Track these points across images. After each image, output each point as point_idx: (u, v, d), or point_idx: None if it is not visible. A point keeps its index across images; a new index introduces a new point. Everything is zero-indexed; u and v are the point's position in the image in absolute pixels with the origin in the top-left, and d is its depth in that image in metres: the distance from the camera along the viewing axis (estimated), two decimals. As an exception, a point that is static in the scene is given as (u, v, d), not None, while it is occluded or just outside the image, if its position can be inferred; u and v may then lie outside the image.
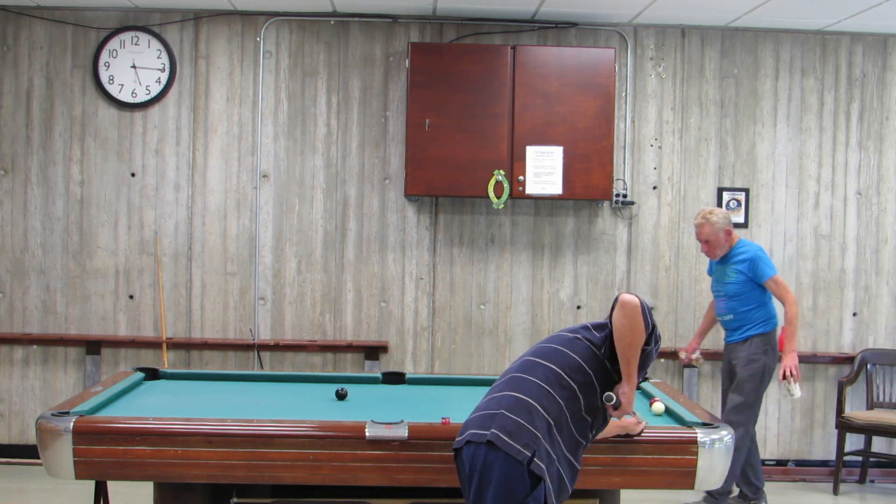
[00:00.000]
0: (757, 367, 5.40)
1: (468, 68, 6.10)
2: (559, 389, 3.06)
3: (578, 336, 3.20)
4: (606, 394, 3.10)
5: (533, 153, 6.11)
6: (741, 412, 5.38)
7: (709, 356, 6.52)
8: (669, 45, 6.49)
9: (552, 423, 3.02)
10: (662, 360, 6.47)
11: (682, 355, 5.83)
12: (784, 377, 5.31)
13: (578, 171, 6.11)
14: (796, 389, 5.35)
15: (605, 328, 3.18)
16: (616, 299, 3.13)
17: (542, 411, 3.01)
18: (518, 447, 2.93)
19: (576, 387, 3.08)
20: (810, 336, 6.52)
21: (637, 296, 3.13)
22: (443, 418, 3.49)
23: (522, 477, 2.93)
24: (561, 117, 6.11)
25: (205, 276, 6.39)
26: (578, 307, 6.46)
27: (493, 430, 2.97)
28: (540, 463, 2.94)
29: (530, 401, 3.02)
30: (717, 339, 6.49)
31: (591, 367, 3.12)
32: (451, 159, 6.07)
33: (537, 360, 3.15)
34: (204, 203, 6.38)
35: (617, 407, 3.13)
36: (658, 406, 3.84)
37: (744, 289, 5.43)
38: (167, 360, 6.29)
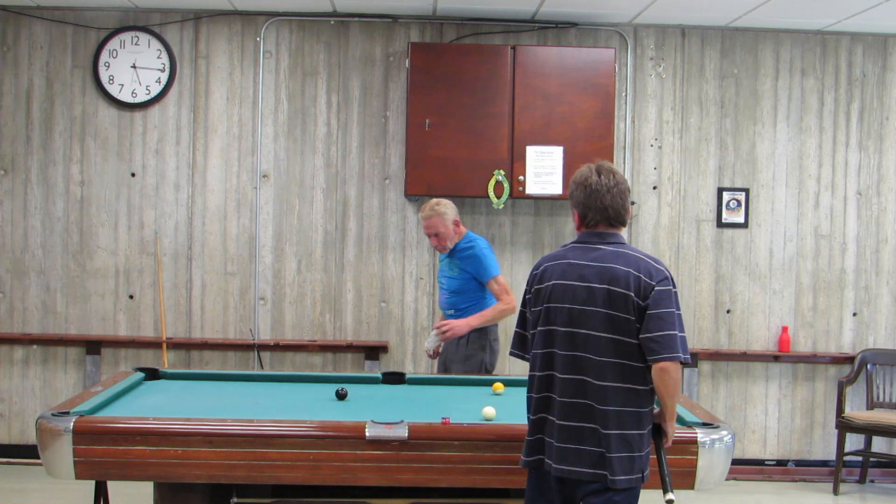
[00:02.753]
0: (473, 363, 5.22)
1: (468, 68, 6.10)
2: None
3: None
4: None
5: (533, 153, 6.11)
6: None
7: (707, 356, 6.52)
8: (669, 45, 6.49)
9: None
10: (662, 360, 6.46)
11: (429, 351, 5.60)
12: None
13: (578, 171, 6.10)
14: (431, 342, 5.14)
15: None
16: (660, 365, 2.96)
17: None
18: None
19: None
20: (810, 336, 6.52)
21: (678, 357, 2.96)
22: (443, 418, 3.49)
23: None
24: (561, 117, 6.11)
25: (205, 276, 6.39)
26: (578, 307, 6.45)
27: None
28: None
29: None
30: (717, 340, 6.49)
31: None
32: (451, 159, 6.07)
33: None
34: (204, 203, 6.38)
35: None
36: (489, 411, 3.72)
37: (466, 285, 5.25)
38: (167, 360, 6.29)
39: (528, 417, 3.19)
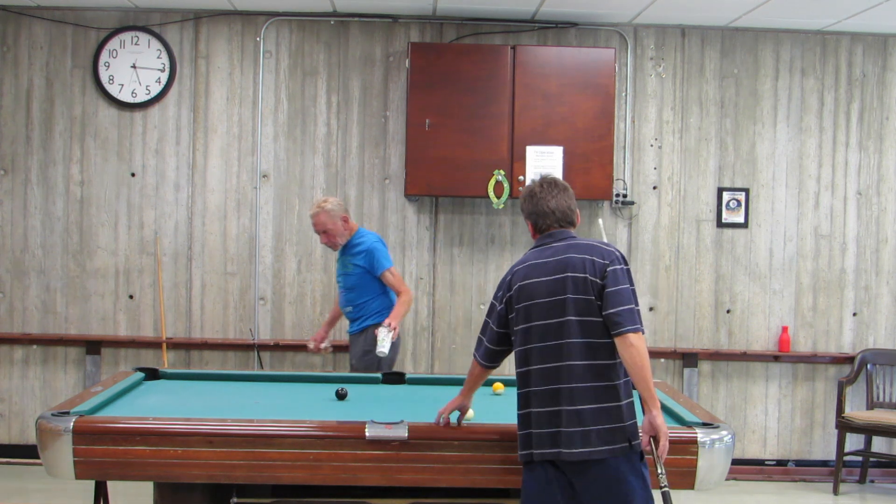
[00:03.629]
0: (370, 358, 5.21)
1: (468, 68, 6.10)
2: None
3: None
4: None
5: (533, 153, 6.10)
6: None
7: (707, 356, 6.53)
8: (669, 45, 6.49)
9: None
10: (663, 359, 6.47)
11: (311, 345, 5.61)
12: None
13: (578, 171, 6.11)
14: (386, 344, 5.01)
15: None
16: (621, 335, 3.17)
17: None
18: None
19: None
20: (810, 336, 6.52)
21: (639, 328, 3.19)
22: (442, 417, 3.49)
23: None
24: (561, 117, 6.11)
25: (205, 276, 6.39)
26: (578, 307, 6.45)
27: None
28: None
29: None
30: (717, 340, 6.49)
31: None
32: (451, 159, 6.07)
33: None
34: (204, 203, 6.38)
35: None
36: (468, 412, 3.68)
37: (361, 280, 5.28)
38: (167, 360, 6.29)
39: (525, 412, 3.28)
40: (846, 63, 6.52)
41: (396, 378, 4.64)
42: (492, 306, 3.44)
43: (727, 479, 3.56)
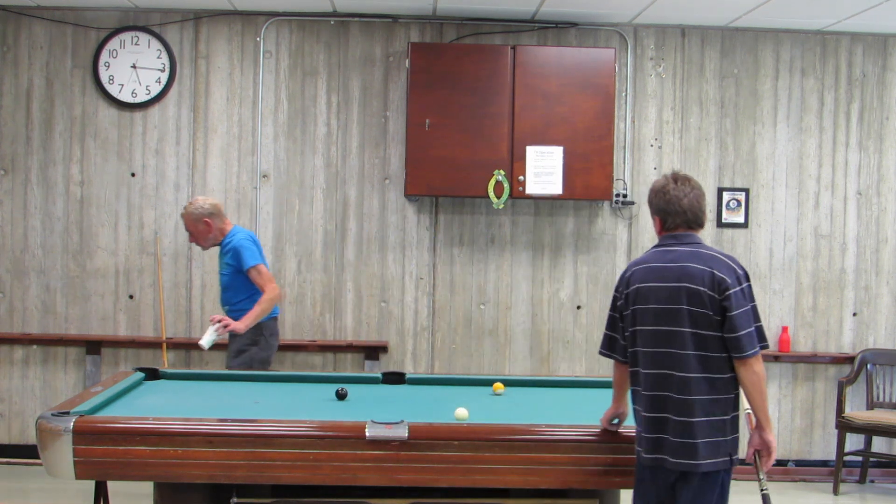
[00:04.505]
0: (244, 357, 5.25)
1: (468, 68, 6.10)
2: None
3: None
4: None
5: (533, 153, 6.10)
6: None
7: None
8: (669, 45, 6.49)
9: None
10: (662, 360, 6.47)
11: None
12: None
13: (578, 171, 6.11)
14: (209, 341, 5.07)
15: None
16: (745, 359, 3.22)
17: None
18: None
19: None
20: (810, 336, 6.52)
21: (758, 351, 3.24)
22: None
23: None
24: (561, 117, 6.11)
25: (205, 276, 6.39)
26: (578, 307, 6.46)
27: None
28: None
29: None
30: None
31: None
32: (451, 159, 6.07)
33: None
34: (204, 203, 6.37)
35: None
36: (461, 412, 3.71)
37: (234, 280, 5.28)
38: (167, 360, 6.29)
39: (638, 412, 3.36)
40: (846, 63, 6.52)
41: (396, 378, 4.64)
42: (614, 299, 3.47)
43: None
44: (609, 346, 3.50)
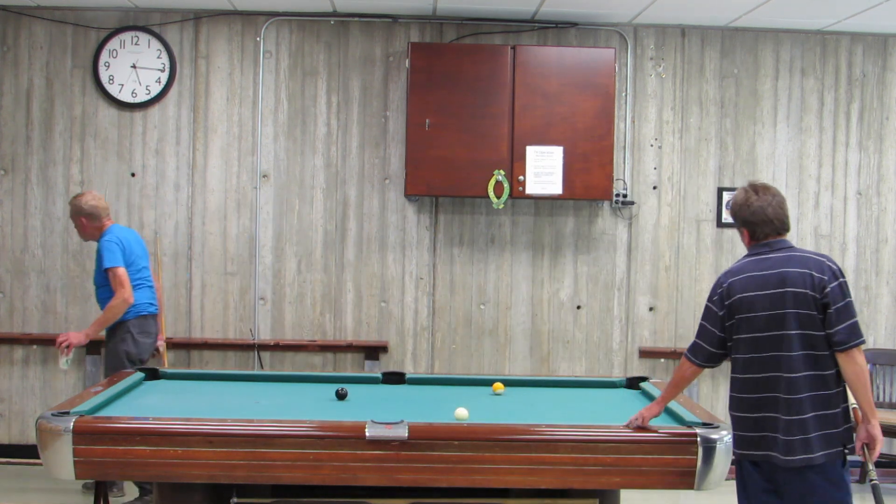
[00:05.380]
0: (115, 356, 5.33)
1: (468, 68, 6.10)
2: None
3: None
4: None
5: (533, 153, 6.11)
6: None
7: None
8: (669, 45, 6.49)
9: None
10: (662, 359, 6.47)
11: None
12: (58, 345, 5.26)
13: (578, 171, 6.11)
14: (64, 362, 5.29)
15: None
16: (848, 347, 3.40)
17: None
18: None
19: None
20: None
21: (860, 342, 3.41)
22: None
23: None
24: (561, 117, 6.11)
25: (205, 276, 6.39)
26: (578, 307, 6.46)
27: None
28: None
29: None
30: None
31: None
32: (451, 159, 6.07)
33: None
34: (204, 203, 6.38)
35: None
36: (461, 412, 3.71)
37: (102, 279, 5.35)
38: (167, 360, 6.28)
39: (743, 416, 3.50)
40: (846, 63, 6.52)
41: (396, 378, 4.64)
42: (708, 309, 3.58)
43: (727, 479, 3.56)
44: (692, 351, 3.62)
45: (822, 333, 3.40)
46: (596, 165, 6.13)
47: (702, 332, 3.60)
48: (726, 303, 3.51)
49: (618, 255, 6.47)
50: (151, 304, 5.51)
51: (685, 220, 6.49)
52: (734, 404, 3.55)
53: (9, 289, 6.36)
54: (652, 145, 6.48)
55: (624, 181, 6.41)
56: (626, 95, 6.44)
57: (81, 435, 3.35)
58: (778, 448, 3.40)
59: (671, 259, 6.49)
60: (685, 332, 6.46)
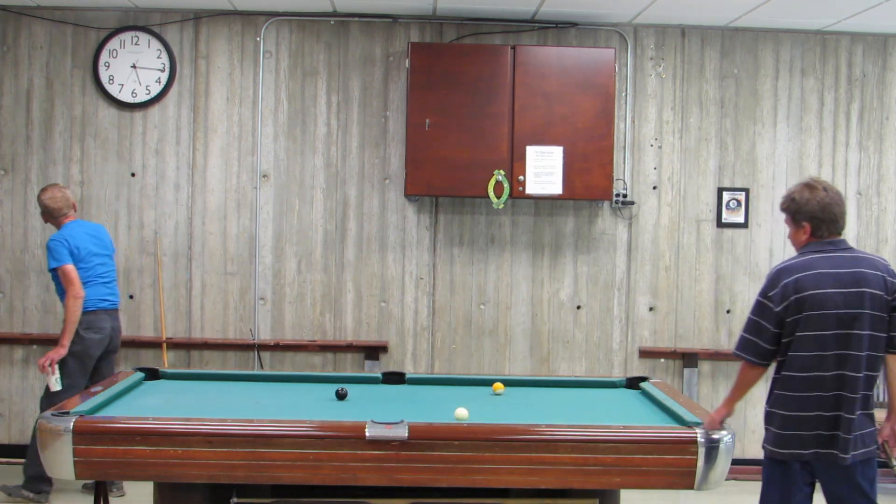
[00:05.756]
0: (69, 355, 5.46)
1: (468, 68, 6.10)
2: None
3: None
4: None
5: (533, 153, 6.11)
6: (52, 397, 5.38)
7: (707, 356, 6.53)
8: (669, 45, 6.49)
9: None
10: (662, 359, 6.47)
11: None
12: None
13: (578, 171, 6.11)
14: (55, 381, 5.42)
15: None
16: None
17: None
18: None
19: None
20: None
21: None
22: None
23: None
24: (561, 117, 6.11)
25: (205, 276, 6.39)
26: (578, 307, 6.46)
27: None
28: None
29: None
30: (717, 340, 6.49)
31: None
32: (451, 159, 6.07)
33: None
34: (204, 203, 6.38)
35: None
36: (461, 412, 3.70)
37: (54, 278, 5.50)
38: (167, 360, 6.29)
39: (796, 415, 3.54)
40: (846, 63, 6.52)
41: (396, 378, 4.64)
42: (762, 305, 3.58)
43: (727, 479, 3.56)
44: (748, 349, 3.63)
45: (884, 335, 3.50)
46: (596, 165, 6.13)
47: (756, 329, 3.59)
48: (792, 298, 3.50)
49: (618, 255, 6.47)
50: (103, 299, 5.59)
51: (685, 220, 6.49)
52: (784, 403, 3.55)
53: (9, 289, 6.36)
54: (652, 145, 6.48)
55: (624, 181, 6.41)
56: (626, 95, 6.44)
57: (81, 435, 3.34)
58: (839, 446, 3.47)
59: (671, 259, 6.49)
60: (685, 332, 6.47)
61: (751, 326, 3.61)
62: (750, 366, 3.62)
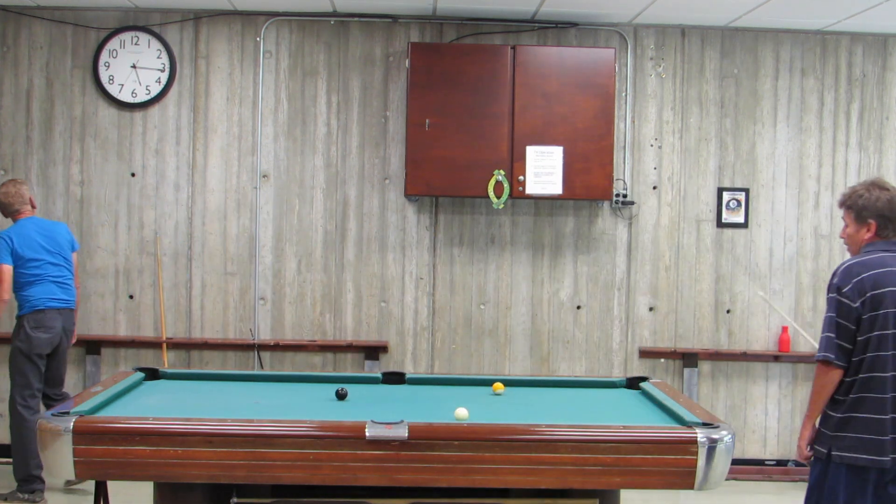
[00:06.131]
0: (13, 347, 5.55)
1: (468, 68, 6.10)
2: None
3: None
4: None
5: (533, 153, 6.11)
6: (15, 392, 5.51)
7: (708, 356, 6.53)
8: (669, 45, 6.49)
9: None
10: (663, 359, 6.47)
11: None
12: None
13: (578, 171, 6.11)
14: None
15: None
16: None
17: None
18: None
19: None
20: (811, 336, 6.52)
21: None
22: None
23: None
24: (561, 117, 6.11)
25: (205, 276, 6.39)
26: (578, 307, 6.46)
27: None
28: None
29: None
30: (717, 340, 6.49)
31: None
32: (451, 159, 6.07)
33: None
34: (204, 203, 6.38)
35: None
36: (461, 412, 3.69)
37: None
38: (167, 360, 6.29)
39: (878, 418, 3.46)
40: (846, 63, 6.52)
41: (396, 378, 4.64)
42: (838, 303, 3.50)
43: (727, 479, 3.56)
44: (833, 349, 3.50)
45: None
46: (596, 165, 6.13)
47: (836, 328, 3.49)
48: (868, 294, 3.44)
49: (618, 255, 6.47)
50: (53, 298, 5.58)
51: (685, 220, 6.49)
52: (866, 406, 3.47)
53: (9, 289, 6.35)
54: (652, 145, 6.48)
55: (624, 181, 6.41)
56: (626, 95, 6.44)
57: (81, 435, 3.34)
58: None
59: (671, 259, 6.49)
60: (685, 332, 6.47)
61: (832, 325, 3.49)
62: (832, 369, 3.48)
